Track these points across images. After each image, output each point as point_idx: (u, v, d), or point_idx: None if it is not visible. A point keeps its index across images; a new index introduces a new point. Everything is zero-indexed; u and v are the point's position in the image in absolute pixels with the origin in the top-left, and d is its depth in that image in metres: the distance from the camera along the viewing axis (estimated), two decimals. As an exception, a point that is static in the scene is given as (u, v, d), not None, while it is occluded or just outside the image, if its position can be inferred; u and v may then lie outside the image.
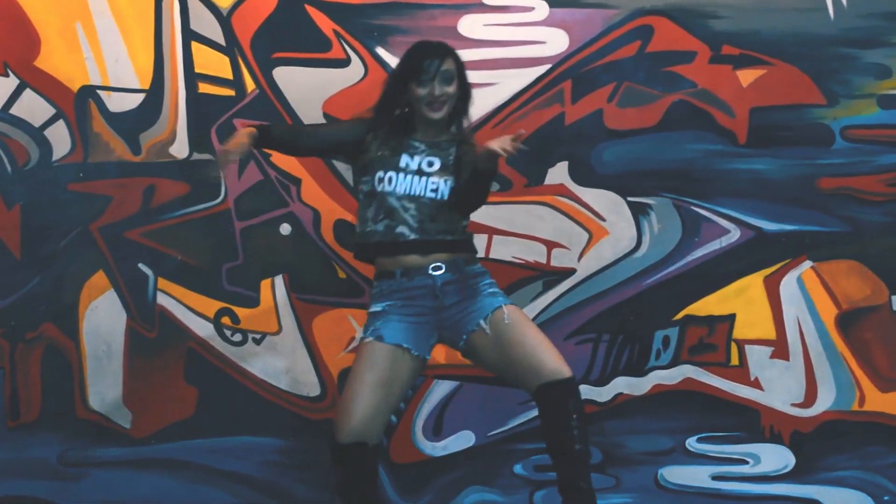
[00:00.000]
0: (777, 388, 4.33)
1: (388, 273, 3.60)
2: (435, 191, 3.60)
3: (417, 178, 3.60)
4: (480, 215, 4.32)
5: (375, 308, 3.61)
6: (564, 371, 3.49)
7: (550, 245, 4.38)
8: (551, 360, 3.51)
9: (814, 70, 4.34)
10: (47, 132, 4.44)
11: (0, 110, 4.44)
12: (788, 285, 4.34)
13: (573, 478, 3.46)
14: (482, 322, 3.56)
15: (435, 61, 3.60)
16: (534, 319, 4.33)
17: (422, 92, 3.60)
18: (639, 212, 4.36)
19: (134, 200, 4.43)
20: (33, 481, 4.42)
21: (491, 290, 3.62)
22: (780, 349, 4.33)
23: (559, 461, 3.50)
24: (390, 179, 3.60)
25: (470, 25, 4.41)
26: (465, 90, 3.70)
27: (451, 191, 3.60)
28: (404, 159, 3.63)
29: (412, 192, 3.59)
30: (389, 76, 3.77)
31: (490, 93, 4.37)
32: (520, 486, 4.36)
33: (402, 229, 3.59)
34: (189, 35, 4.43)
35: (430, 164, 3.63)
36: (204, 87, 4.42)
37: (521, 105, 4.39)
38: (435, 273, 3.56)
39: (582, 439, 3.46)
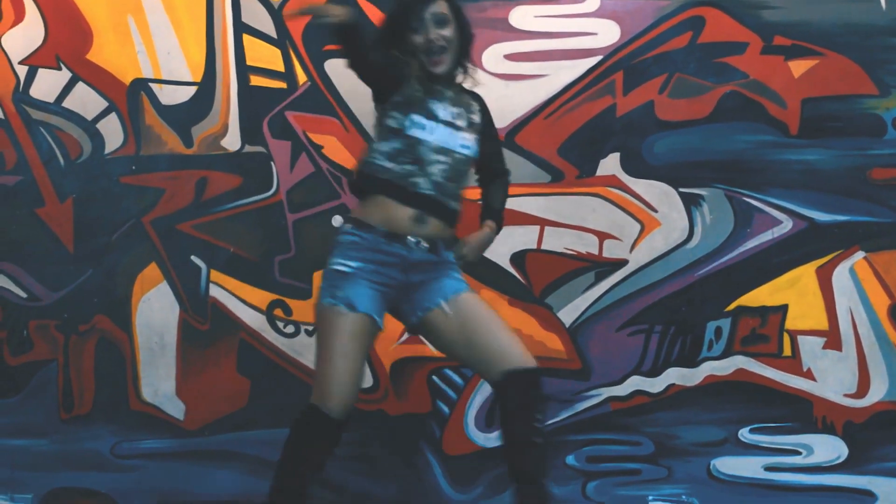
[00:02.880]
0: (830, 378, 4.32)
1: (368, 225, 3.40)
2: (467, 147, 3.49)
3: (449, 130, 3.46)
4: (532, 206, 4.38)
5: (343, 266, 3.38)
6: (532, 361, 3.38)
7: (602, 236, 4.38)
8: (519, 348, 3.39)
9: (865, 60, 4.33)
10: (100, 125, 4.48)
11: (53, 103, 4.48)
12: (841, 276, 4.33)
13: (530, 471, 3.33)
14: (442, 302, 3.43)
15: (424, 4, 3.44)
16: (586, 311, 4.38)
17: (419, 39, 3.44)
18: (691, 203, 4.36)
19: (186, 193, 4.45)
20: (87, 473, 4.45)
21: (457, 274, 3.49)
22: (832, 340, 4.32)
23: (517, 452, 3.34)
24: (425, 126, 3.43)
25: (521, 17, 4.41)
26: (465, 34, 3.52)
27: (475, 152, 3.52)
28: (435, 106, 3.46)
29: (447, 146, 3.45)
30: (383, 26, 3.54)
31: (541, 84, 4.39)
32: (572, 478, 4.36)
33: (421, 181, 3.41)
34: (241, 28, 4.46)
35: (458, 118, 3.50)
36: (256, 80, 4.44)
37: (572, 97, 4.39)
38: (414, 247, 3.40)
39: (543, 433, 3.36)
